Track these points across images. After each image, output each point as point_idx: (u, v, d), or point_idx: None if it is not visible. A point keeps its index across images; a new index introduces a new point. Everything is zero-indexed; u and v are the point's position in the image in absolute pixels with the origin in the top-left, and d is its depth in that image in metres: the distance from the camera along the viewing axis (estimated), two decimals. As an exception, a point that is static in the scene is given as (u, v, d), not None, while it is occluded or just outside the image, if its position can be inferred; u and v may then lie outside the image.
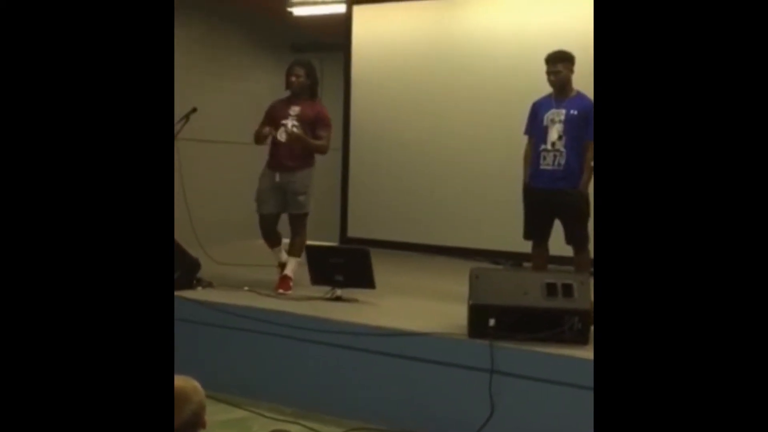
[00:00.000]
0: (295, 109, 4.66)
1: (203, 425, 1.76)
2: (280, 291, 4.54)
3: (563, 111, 4.23)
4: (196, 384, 1.79)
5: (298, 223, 4.72)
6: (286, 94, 4.80)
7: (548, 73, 4.26)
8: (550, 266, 4.45)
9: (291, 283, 4.63)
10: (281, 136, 4.62)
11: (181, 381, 1.79)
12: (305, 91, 4.72)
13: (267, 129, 4.63)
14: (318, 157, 4.79)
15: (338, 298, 4.36)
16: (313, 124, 4.65)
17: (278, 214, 4.77)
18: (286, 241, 4.90)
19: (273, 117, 4.74)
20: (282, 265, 4.76)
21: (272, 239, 4.84)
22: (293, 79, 4.69)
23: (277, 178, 4.65)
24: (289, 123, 4.62)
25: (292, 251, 4.73)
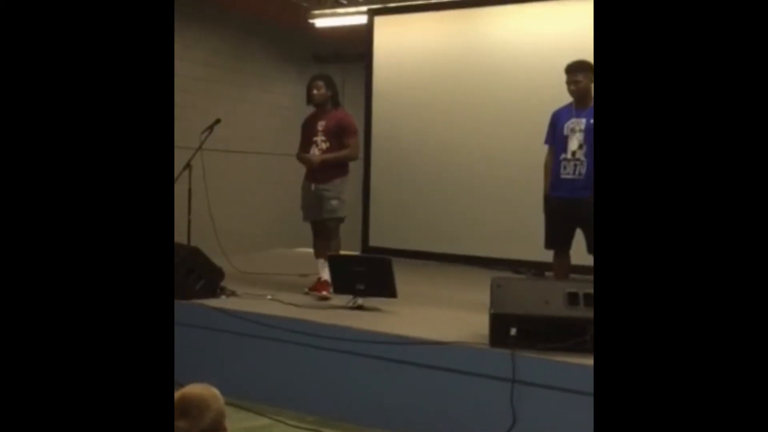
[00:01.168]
0: (321, 124, 4.89)
1: None
2: (324, 294, 4.67)
3: (583, 120, 4.23)
4: (216, 391, 1.82)
5: (332, 228, 4.92)
6: (311, 109, 5.00)
7: (568, 83, 4.27)
8: (572, 275, 4.44)
9: (330, 287, 4.67)
10: (313, 152, 4.87)
11: (200, 388, 1.81)
12: (328, 103, 4.91)
13: (308, 162, 4.89)
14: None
15: (360, 307, 4.38)
16: (338, 133, 4.84)
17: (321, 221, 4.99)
18: (300, 250, 5.00)
19: (305, 133, 4.99)
20: (324, 282, 4.85)
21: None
22: (314, 92, 4.89)
23: (313, 187, 4.89)
24: (318, 140, 4.86)
25: (323, 254, 4.87)
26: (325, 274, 4.77)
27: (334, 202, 4.86)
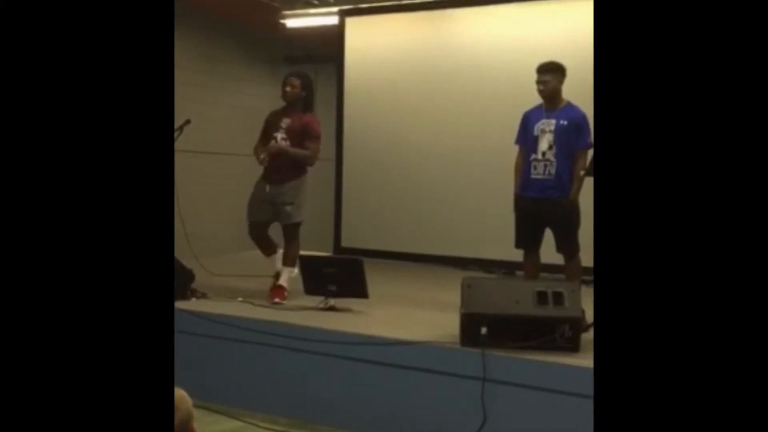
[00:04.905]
0: (285, 122, 4.73)
1: None
2: (276, 300, 4.57)
3: (553, 121, 4.27)
4: (183, 393, 1.81)
5: (290, 233, 4.77)
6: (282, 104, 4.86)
7: (537, 83, 4.31)
8: (542, 274, 4.48)
9: (285, 293, 4.65)
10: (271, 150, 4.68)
11: None
12: (299, 103, 4.75)
13: (261, 157, 4.68)
14: (311, 168, 4.83)
15: (332, 308, 4.38)
16: (300, 136, 4.69)
17: (267, 222, 4.82)
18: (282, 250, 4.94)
19: (267, 129, 4.82)
20: (277, 275, 4.78)
21: (264, 247, 4.88)
22: (288, 89, 4.74)
23: (268, 189, 4.71)
24: (279, 136, 4.69)
25: (285, 261, 4.77)
26: (284, 280, 4.71)
27: (289, 208, 4.68)
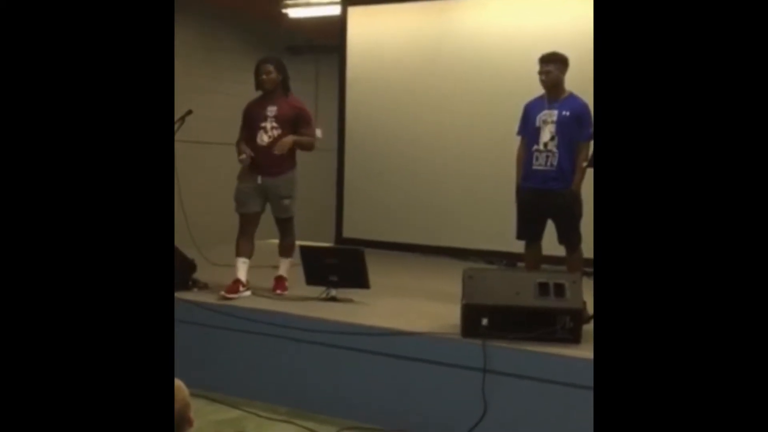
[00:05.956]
0: (272, 110, 4.51)
1: (190, 423, 1.78)
2: (278, 292, 4.57)
3: (555, 112, 4.25)
4: (180, 382, 1.81)
5: (286, 226, 4.69)
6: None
7: (540, 73, 4.29)
8: (543, 266, 4.47)
9: (286, 284, 4.65)
10: (261, 139, 4.52)
11: None
12: (278, 88, 4.56)
13: (244, 156, 4.49)
14: (313, 158, 4.79)
15: (333, 299, 4.38)
16: (293, 122, 4.54)
17: (259, 214, 4.66)
18: (273, 241, 4.92)
19: (250, 119, 4.61)
20: (238, 282, 4.51)
21: (248, 242, 4.63)
22: (264, 77, 4.52)
23: (259, 180, 4.53)
24: (268, 126, 4.50)
25: (283, 252, 4.73)
26: (284, 270, 4.68)
27: (287, 202, 4.56)
